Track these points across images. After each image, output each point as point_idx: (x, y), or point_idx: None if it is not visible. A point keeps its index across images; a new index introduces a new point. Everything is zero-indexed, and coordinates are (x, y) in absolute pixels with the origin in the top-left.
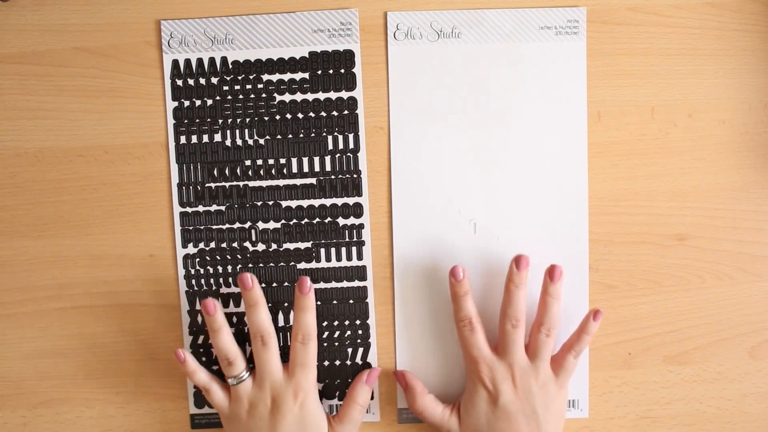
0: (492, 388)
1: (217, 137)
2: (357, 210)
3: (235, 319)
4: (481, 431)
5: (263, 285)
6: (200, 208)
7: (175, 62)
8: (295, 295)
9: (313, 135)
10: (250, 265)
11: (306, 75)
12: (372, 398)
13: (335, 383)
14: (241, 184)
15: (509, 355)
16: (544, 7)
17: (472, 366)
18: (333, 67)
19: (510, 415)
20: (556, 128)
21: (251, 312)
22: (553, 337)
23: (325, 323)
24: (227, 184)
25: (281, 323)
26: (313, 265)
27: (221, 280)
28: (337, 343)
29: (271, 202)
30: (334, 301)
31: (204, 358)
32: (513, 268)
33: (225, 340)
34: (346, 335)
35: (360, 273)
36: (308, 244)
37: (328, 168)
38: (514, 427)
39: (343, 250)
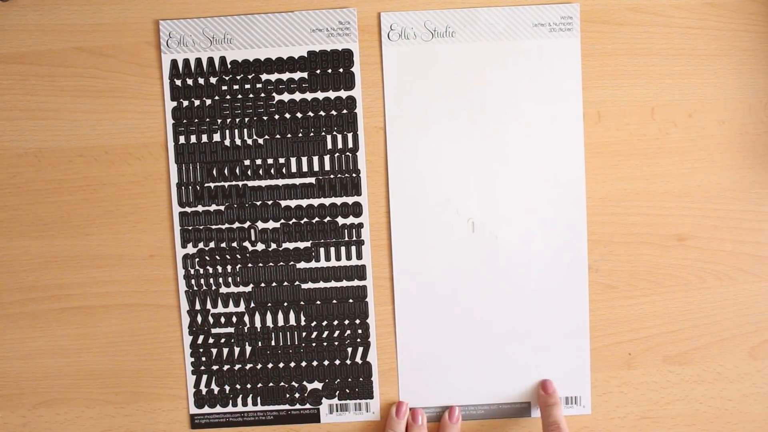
0: None
1: (216, 137)
2: (356, 209)
3: (234, 319)
4: None
5: (262, 285)
6: (199, 208)
7: (174, 62)
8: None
9: (312, 134)
10: (250, 265)
11: (305, 74)
12: (372, 398)
13: (335, 383)
14: (240, 183)
15: None
16: (537, 4)
17: None
18: (332, 67)
19: None
20: (553, 125)
21: None
22: None
23: (324, 323)
24: (226, 184)
25: (280, 323)
26: (313, 264)
27: (221, 279)
28: (336, 343)
29: (270, 202)
30: (334, 301)
31: (204, 358)
32: (541, 392)
33: None
34: (345, 335)
35: (359, 272)
36: (307, 244)
37: (327, 167)
38: None
39: (343, 249)
